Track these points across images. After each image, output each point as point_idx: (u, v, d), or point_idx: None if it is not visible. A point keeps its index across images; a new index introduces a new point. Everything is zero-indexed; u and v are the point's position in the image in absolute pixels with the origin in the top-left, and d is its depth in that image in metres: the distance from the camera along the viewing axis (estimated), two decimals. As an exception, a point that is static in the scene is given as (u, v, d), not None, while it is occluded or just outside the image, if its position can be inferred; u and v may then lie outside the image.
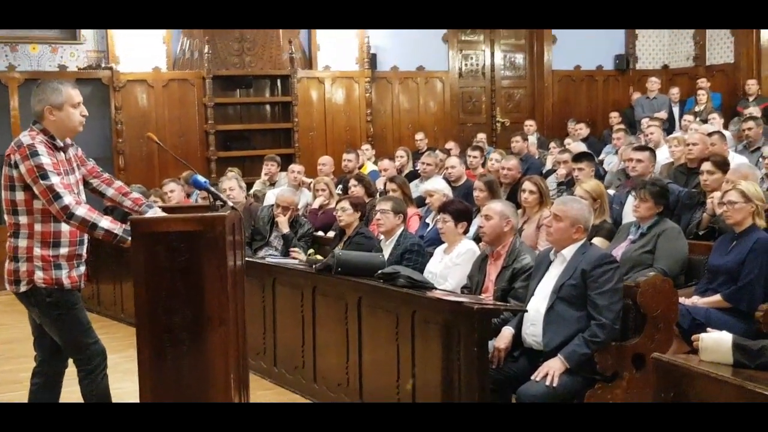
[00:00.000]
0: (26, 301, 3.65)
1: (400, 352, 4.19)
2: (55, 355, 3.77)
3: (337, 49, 10.94)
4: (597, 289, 3.84)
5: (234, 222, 3.40)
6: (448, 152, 9.20)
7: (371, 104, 11.13)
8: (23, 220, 3.56)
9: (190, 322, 3.11)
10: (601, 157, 9.03)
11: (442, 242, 5.29)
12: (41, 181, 3.43)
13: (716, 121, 9.06)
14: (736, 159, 6.72)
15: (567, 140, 9.92)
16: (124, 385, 4.38)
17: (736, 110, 10.50)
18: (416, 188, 7.56)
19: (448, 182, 7.03)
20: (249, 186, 8.24)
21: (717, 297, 4.47)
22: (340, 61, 10.99)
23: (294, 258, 5.89)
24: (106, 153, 9.74)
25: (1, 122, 9.18)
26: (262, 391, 5.12)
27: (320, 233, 6.87)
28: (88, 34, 9.80)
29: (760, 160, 6.87)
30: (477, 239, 5.21)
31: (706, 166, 5.63)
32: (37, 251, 3.56)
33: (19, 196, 3.53)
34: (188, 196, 8.01)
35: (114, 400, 3.83)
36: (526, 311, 4.04)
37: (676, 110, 11.22)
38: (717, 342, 2.84)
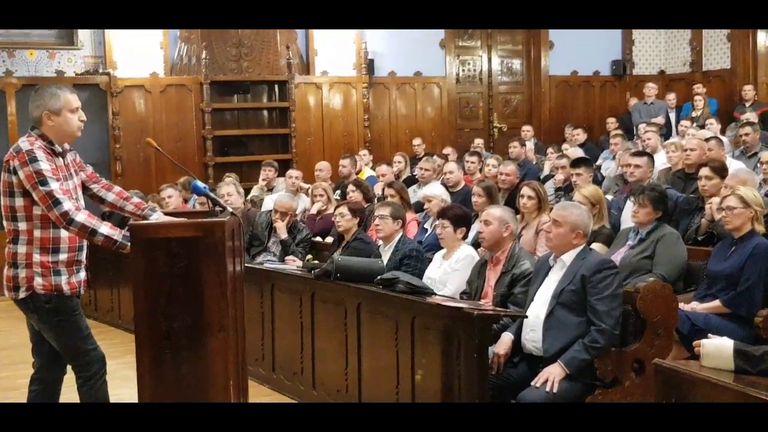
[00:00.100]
0: (25, 308, 3.63)
1: (399, 358, 4.18)
2: (54, 361, 3.75)
3: (334, 54, 10.94)
4: (597, 294, 3.84)
5: (233, 228, 3.39)
6: (445, 158, 9.20)
7: (369, 109, 11.13)
8: (22, 226, 3.54)
9: (189, 328, 3.10)
10: (598, 163, 9.04)
11: (441, 248, 5.29)
12: (40, 187, 3.42)
13: (713, 127, 9.08)
14: (733, 164, 6.72)
15: (564, 146, 9.93)
16: (122, 391, 4.37)
17: (732, 116, 10.51)
18: (414, 194, 7.56)
19: (446, 188, 7.02)
20: (246, 191, 8.22)
21: (716, 303, 4.47)
22: (338, 67, 11.00)
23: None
24: (104, 158, 9.72)
25: (-2, 128, 9.17)
26: (261, 398, 5.10)
27: (318, 239, 6.86)
28: (85, 40, 9.79)
29: (758, 165, 6.87)
30: (476, 245, 5.21)
31: (705, 171, 5.63)
32: (37, 257, 3.54)
33: (19, 202, 3.52)
34: (186, 201, 8.00)
35: (112, 406, 3.82)
36: (526, 317, 4.03)
37: (672, 116, 11.23)
38: (718, 348, 2.84)
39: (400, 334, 4.16)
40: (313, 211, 7.47)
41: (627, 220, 5.60)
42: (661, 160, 7.47)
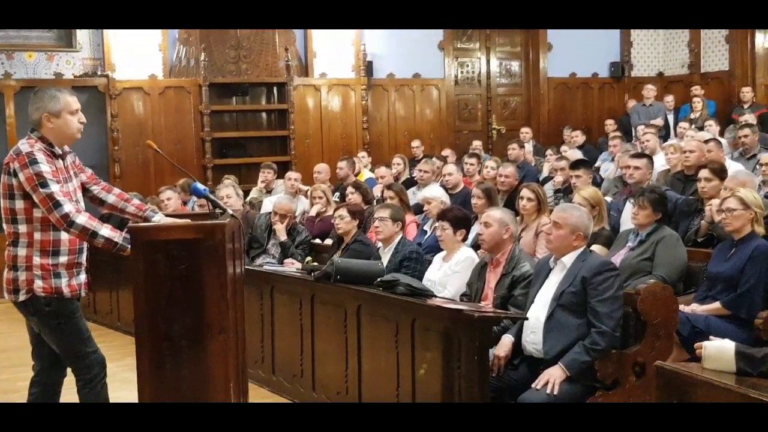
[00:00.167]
0: (25, 311, 3.62)
1: (400, 360, 4.17)
2: (54, 364, 3.74)
3: (333, 56, 10.94)
4: (597, 296, 3.84)
5: (233, 230, 3.39)
6: (444, 159, 9.21)
7: (367, 111, 11.13)
8: (23, 228, 3.54)
9: (189, 330, 3.10)
10: (597, 165, 9.04)
11: (440, 249, 5.29)
12: (41, 190, 3.42)
13: (712, 128, 9.08)
14: (732, 166, 6.72)
15: (563, 147, 9.93)
16: (122, 394, 4.35)
17: (731, 117, 10.52)
18: (413, 196, 7.56)
19: (445, 189, 7.02)
20: (245, 194, 8.22)
21: (716, 304, 4.47)
22: (337, 69, 10.99)
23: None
24: (102, 161, 9.70)
25: (-3, 130, 9.16)
26: (261, 400, 5.09)
27: (317, 241, 6.85)
28: (84, 42, 9.79)
29: (757, 167, 6.88)
30: (476, 246, 5.21)
31: (704, 173, 5.63)
32: (37, 260, 3.54)
33: (19, 204, 3.52)
34: (184, 203, 7.99)
35: (112, 409, 3.81)
36: (527, 319, 4.03)
37: (671, 117, 11.24)
38: (720, 350, 2.84)
39: (401, 337, 4.16)
40: (312, 213, 7.46)
41: (626, 222, 5.60)
42: (660, 162, 7.48)
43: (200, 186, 3.65)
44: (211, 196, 3.69)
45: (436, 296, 4.40)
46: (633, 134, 10.64)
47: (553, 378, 3.75)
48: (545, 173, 8.90)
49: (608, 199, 6.35)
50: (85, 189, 3.82)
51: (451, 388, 3.83)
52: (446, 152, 10.15)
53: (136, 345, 3.11)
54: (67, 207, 3.42)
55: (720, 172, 5.63)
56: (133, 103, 9.96)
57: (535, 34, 12.22)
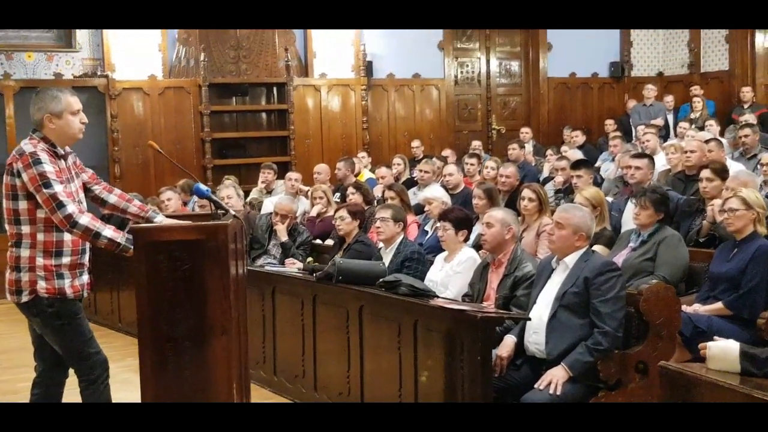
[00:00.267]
0: (27, 311, 3.61)
1: (402, 361, 4.17)
2: (56, 365, 3.74)
3: (333, 56, 10.94)
4: (600, 296, 3.83)
5: (236, 230, 3.38)
6: (445, 160, 9.20)
7: (367, 112, 11.12)
8: (25, 229, 3.53)
9: (192, 330, 3.09)
10: (597, 165, 9.04)
11: (442, 250, 5.28)
12: (44, 190, 3.41)
13: (713, 128, 9.08)
14: (733, 166, 6.73)
15: (563, 147, 9.93)
16: (123, 395, 4.34)
17: (731, 117, 10.52)
18: (414, 196, 7.55)
19: (446, 190, 7.02)
20: (245, 194, 8.20)
21: (718, 305, 4.47)
22: (336, 69, 10.99)
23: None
24: (102, 161, 9.70)
25: (-4, 131, 9.15)
26: (262, 400, 5.08)
27: (318, 241, 6.85)
28: (83, 42, 9.78)
29: (758, 167, 6.88)
30: (477, 247, 5.20)
31: (706, 173, 5.63)
32: (40, 261, 3.53)
33: (22, 205, 3.51)
34: (185, 204, 7.98)
35: (114, 410, 3.80)
36: (529, 319, 4.02)
37: (670, 117, 11.24)
38: (724, 350, 2.84)
39: (403, 337, 4.15)
40: (313, 213, 7.45)
41: (628, 222, 5.60)
42: (661, 162, 7.47)
43: (203, 187, 3.65)
44: (214, 197, 3.68)
45: (438, 297, 4.39)
46: (633, 134, 10.64)
47: (555, 378, 3.75)
48: (545, 173, 8.90)
49: (609, 199, 6.35)
50: (86, 189, 3.82)
51: (453, 388, 3.83)
52: (446, 152, 10.15)
53: (138, 346, 3.11)
54: (71, 207, 3.42)
55: (721, 172, 5.62)
56: (132, 103, 9.95)
57: (535, 34, 12.22)
